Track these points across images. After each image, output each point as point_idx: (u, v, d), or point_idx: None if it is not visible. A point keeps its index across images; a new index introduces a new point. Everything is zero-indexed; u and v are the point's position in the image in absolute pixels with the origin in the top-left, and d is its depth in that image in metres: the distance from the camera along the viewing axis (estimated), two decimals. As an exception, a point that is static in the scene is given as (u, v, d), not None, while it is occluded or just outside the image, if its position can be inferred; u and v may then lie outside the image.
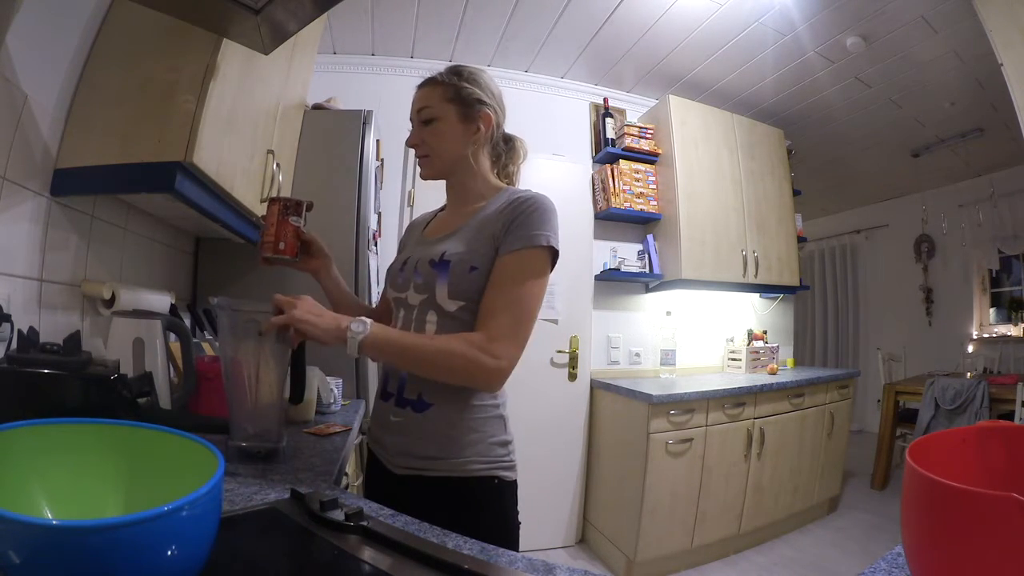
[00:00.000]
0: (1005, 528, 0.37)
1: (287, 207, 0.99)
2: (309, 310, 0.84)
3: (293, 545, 0.61)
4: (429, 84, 0.99)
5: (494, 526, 0.90)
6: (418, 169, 1.03)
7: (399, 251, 1.13)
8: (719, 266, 2.94)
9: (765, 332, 3.32)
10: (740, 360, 3.14)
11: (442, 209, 1.11)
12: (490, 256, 0.91)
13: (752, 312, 3.46)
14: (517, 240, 0.89)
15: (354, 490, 1.45)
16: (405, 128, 1.03)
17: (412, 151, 1.08)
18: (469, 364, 0.84)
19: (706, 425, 2.45)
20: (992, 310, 4.60)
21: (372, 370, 1.99)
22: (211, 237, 1.93)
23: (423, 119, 0.98)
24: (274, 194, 1.56)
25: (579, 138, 3.12)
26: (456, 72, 0.99)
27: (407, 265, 0.99)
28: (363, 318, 0.85)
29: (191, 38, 1.07)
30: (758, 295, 3.43)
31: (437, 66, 1.02)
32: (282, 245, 0.99)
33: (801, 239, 3.40)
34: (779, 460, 2.73)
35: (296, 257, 1.03)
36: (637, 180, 2.96)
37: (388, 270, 1.07)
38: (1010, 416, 2.94)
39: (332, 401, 1.57)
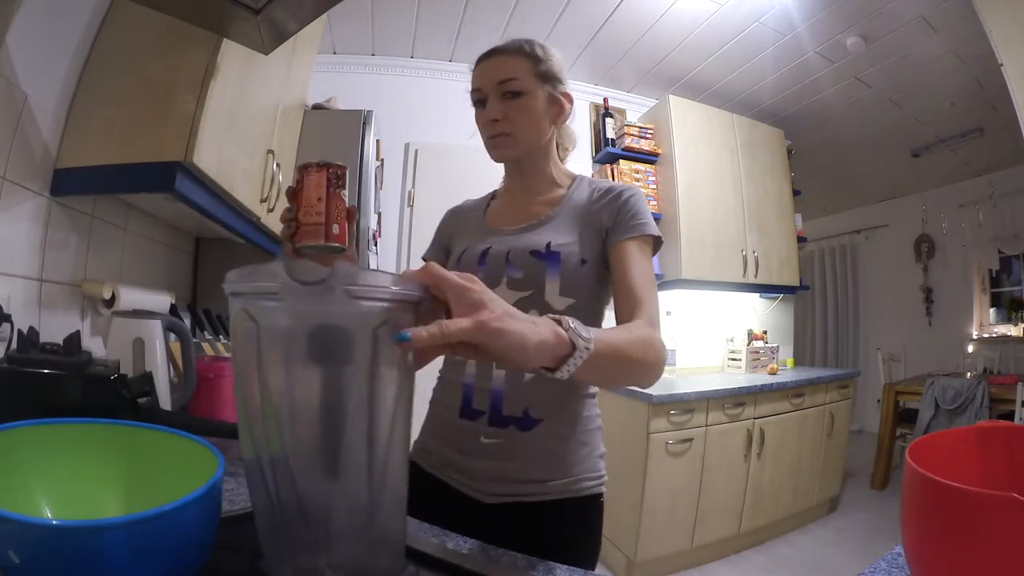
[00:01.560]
0: (1005, 528, 0.37)
1: (336, 177, 0.68)
2: (506, 308, 0.48)
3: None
4: (513, 54, 0.84)
5: (594, 548, 0.81)
6: (473, 155, 0.91)
7: (443, 241, 0.98)
8: (719, 266, 2.94)
9: (765, 332, 3.32)
10: (740, 360, 3.13)
11: (493, 197, 0.99)
12: (598, 250, 0.82)
13: (752, 312, 3.46)
14: (635, 227, 0.81)
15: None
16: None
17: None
18: (660, 353, 0.68)
19: (706, 425, 2.45)
20: (992, 310, 4.59)
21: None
22: (211, 237, 1.93)
23: (508, 91, 0.83)
24: (275, 193, 1.55)
25: (579, 138, 3.11)
26: (539, 45, 0.86)
27: (489, 257, 0.84)
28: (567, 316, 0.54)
29: (191, 38, 1.07)
30: (758, 295, 3.43)
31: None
32: (336, 229, 0.68)
33: (801, 239, 3.40)
34: (779, 460, 2.72)
35: (345, 246, 0.69)
36: (637, 180, 2.95)
37: (452, 263, 0.89)
38: (1010, 416, 2.94)
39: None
